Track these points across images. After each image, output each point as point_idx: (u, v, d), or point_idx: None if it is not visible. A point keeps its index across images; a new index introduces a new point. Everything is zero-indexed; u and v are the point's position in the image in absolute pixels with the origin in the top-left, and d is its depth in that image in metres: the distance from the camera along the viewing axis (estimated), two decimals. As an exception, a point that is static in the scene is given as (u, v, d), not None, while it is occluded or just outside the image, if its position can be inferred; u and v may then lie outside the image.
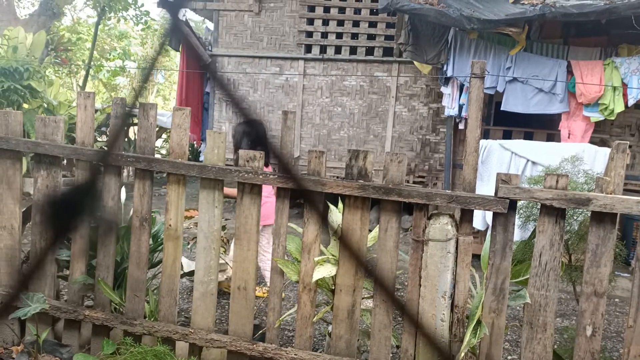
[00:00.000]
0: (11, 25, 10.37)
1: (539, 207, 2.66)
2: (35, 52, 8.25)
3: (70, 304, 3.21)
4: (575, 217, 3.63)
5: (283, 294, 4.35)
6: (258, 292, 4.49)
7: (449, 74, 6.99)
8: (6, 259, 3.29)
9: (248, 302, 3.02)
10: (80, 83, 14.81)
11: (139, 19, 13.78)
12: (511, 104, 6.77)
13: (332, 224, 3.23)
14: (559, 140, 6.83)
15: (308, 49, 8.76)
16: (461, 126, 7.50)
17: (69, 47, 12.02)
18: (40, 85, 7.75)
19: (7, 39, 7.97)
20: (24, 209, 3.43)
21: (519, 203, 3.23)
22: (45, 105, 7.98)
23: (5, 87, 7.10)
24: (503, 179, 2.63)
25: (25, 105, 7.69)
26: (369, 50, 8.55)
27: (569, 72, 6.55)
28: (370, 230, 2.99)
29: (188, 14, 9.97)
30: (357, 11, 8.55)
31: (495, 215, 2.66)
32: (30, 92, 7.53)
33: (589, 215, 2.65)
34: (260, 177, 2.89)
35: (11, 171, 3.26)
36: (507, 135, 7.20)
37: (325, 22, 8.64)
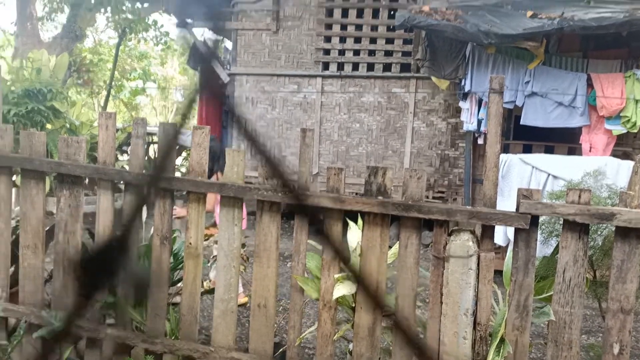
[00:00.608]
0: (35, 48, 10.62)
1: (561, 222, 2.63)
2: (58, 73, 8.42)
3: (92, 323, 3.23)
4: (599, 232, 3.57)
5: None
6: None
7: (467, 88, 6.97)
8: (30, 278, 3.34)
9: (268, 320, 3.01)
10: (102, 103, 15.08)
11: (158, 39, 14.03)
12: (531, 118, 6.72)
13: (351, 241, 3.22)
14: (580, 154, 6.74)
15: (325, 66, 8.82)
16: (480, 141, 7.46)
17: (91, 69, 12.26)
18: (63, 106, 7.90)
19: (31, 61, 8.15)
20: (48, 228, 3.48)
21: (541, 218, 3.18)
22: (68, 126, 8.12)
23: (29, 109, 7.25)
24: (524, 194, 2.60)
25: (49, 126, 7.84)
26: (387, 67, 8.58)
27: (589, 85, 6.49)
28: (390, 247, 2.97)
29: (206, 34, 10.12)
30: (374, 28, 8.60)
31: (517, 231, 2.62)
32: (54, 112, 7.67)
33: (613, 230, 2.60)
34: (279, 195, 2.89)
35: (35, 191, 3.31)
36: (527, 150, 7.13)
37: (343, 40, 8.70)
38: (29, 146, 3.28)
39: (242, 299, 5.04)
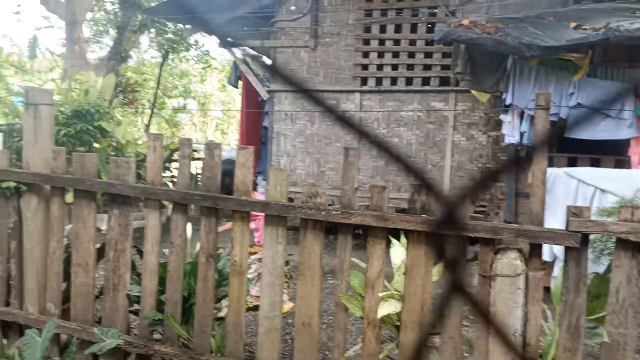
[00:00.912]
0: (83, 69, 11.04)
1: (613, 240, 2.55)
2: (105, 94, 8.72)
3: (141, 339, 3.31)
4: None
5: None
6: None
7: (509, 101, 6.86)
8: (81, 295, 3.44)
9: (313, 338, 3.02)
10: (145, 121, 15.50)
11: (199, 58, 14.36)
12: (576, 130, 6.55)
13: (395, 260, 3.20)
14: (628, 167, 6.53)
15: (364, 81, 8.84)
16: (522, 154, 7.31)
17: (136, 88, 12.65)
18: (109, 125, 8.16)
19: (79, 83, 8.46)
20: (98, 246, 3.59)
21: (592, 236, 3.10)
22: (114, 144, 8.39)
23: (78, 129, 7.52)
24: (574, 212, 2.54)
25: (96, 145, 8.11)
26: (425, 81, 8.54)
27: (637, 96, 6.30)
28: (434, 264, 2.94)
29: (247, 51, 10.31)
30: (412, 42, 8.58)
31: (566, 249, 2.56)
32: (101, 132, 7.93)
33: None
34: (323, 213, 2.91)
35: (86, 210, 3.43)
36: (572, 162, 6.95)
37: (381, 55, 8.71)
38: (80, 167, 3.41)
39: (287, 306, 5.03)
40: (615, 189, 5.32)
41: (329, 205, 3.07)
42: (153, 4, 11.57)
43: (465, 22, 6.53)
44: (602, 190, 5.77)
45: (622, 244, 2.48)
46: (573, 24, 5.91)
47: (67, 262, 3.64)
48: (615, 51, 7.04)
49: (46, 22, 16.21)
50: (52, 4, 13.58)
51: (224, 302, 3.43)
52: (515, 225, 2.69)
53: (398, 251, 3.18)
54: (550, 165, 6.72)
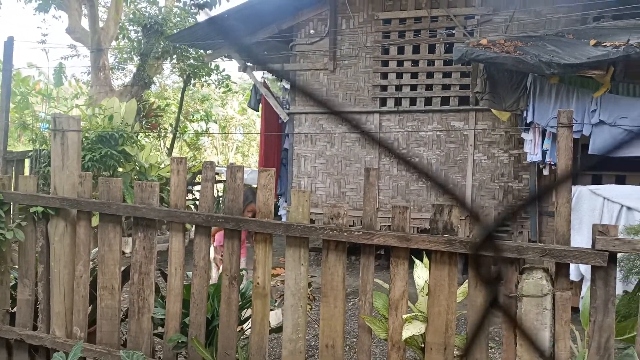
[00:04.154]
0: (107, 96, 11.30)
1: (642, 259, 2.51)
2: (128, 119, 8.90)
3: (165, 362, 3.32)
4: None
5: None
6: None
7: (529, 120, 6.82)
8: (107, 318, 3.48)
9: (336, 361, 2.99)
10: (168, 145, 15.73)
11: (220, 82, 14.58)
12: (599, 147, 6.47)
13: (418, 280, 3.18)
14: (655, 184, 6.41)
15: (383, 102, 8.88)
16: (545, 172, 7.24)
17: (158, 113, 12.88)
18: (133, 150, 8.32)
19: (103, 109, 8.65)
20: (123, 269, 3.64)
21: (619, 255, 3.04)
22: (138, 168, 8.53)
23: (103, 153, 7.67)
24: (600, 230, 2.50)
25: (120, 169, 8.26)
26: (444, 100, 8.54)
27: (662, 112, 6.21)
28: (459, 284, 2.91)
29: (266, 75, 10.45)
30: (431, 63, 8.62)
31: (594, 268, 2.52)
32: (125, 156, 8.09)
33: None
34: (345, 234, 2.91)
35: (112, 234, 3.48)
36: (596, 180, 6.85)
37: (399, 75, 8.75)
38: (106, 191, 3.47)
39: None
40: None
41: (351, 226, 3.07)
42: (175, 31, 11.82)
43: (484, 41, 6.54)
44: (629, 208, 5.67)
45: (651, 262, 2.43)
46: (593, 42, 5.88)
47: (93, 285, 3.69)
48: (636, 67, 6.98)
49: (72, 50, 16.58)
50: (77, 32, 13.98)
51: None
52: (541, 244, 2.65)
53: (421, 272, 3.16)
54: (574, 183, 6.64)
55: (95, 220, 4.13)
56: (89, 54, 13.28)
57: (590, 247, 2.52)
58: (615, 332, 2.56)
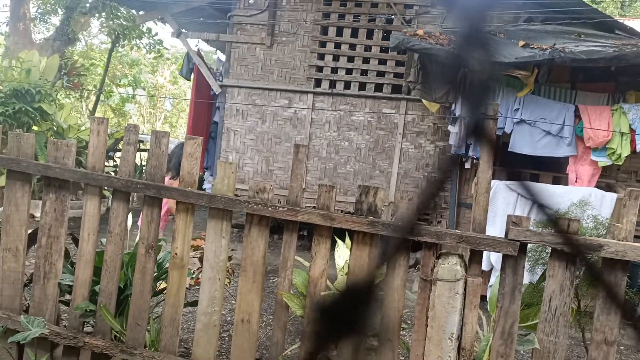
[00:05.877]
0: (27, 48, 10.53)
1: (548, 251, 2.64)
2: (48, 75, 8.35)
3: (70, 330, 3.17)
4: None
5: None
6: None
7: (457, 113, 7.03)
8: (9, 282, 3.26)
9: (251, 336, 2.97)
10: (90, 107, 14.97)
11: (151, 47, 14.00)
12: (518, 145, 6.79)
13: (338, 260, 3.20)
14: (565, 184, 6.82)
15: (318, 83, 8.85)
16: (467, 165, 7.51)
17: (82, 72, 12.18)
18: (51, 108, 7.83)
19: (20, 61, 8.07)
20: (30, 232, 3.42)
21: (529, 246, 3.20)
22: (55, 128, 8.05)
23: (16, 109, 7.17)
24: (514, 221, 2.61)
25: (35, 128, 7.76)
26: (378, 87, 8.63)
27: (577, 116, 6.59)
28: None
29: (200, 45, 10.11)
30: (368, 48, 8.67)
31: (504, 257, 2.63)
32: (41, 114, 7.60)
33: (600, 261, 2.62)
34: (269, 209, 2.88)
35: (20, 193, 3.26)
36: (512, 177, 7.19)
37: (336, 58, 8.75)
38: (16, 147, 3.23)
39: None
40: (552, 204, 5.53)
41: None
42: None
43: (420, 32, 6.65)
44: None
45: (557, 254, 2.57)
46: (521, 43, 6.12)
47: (-5, 246, 3.44)
48: (559, 72, 7.35)
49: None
50: (-4, -23, 12.92)
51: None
52: (458, 231, 2.74)
53: (342, 252, 3.19)
54: (493, 177, 6.93)
55: (3, 180, 3.85)
56: (8, 2, 12.31)
57: (503, 236, 2.63)
58: (519, 318, 2.69)
